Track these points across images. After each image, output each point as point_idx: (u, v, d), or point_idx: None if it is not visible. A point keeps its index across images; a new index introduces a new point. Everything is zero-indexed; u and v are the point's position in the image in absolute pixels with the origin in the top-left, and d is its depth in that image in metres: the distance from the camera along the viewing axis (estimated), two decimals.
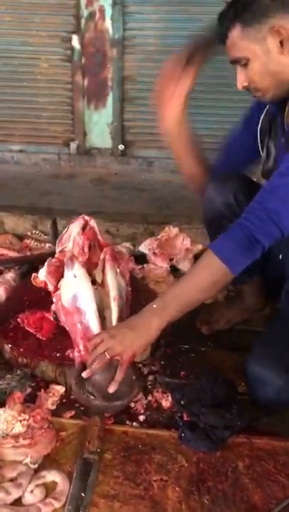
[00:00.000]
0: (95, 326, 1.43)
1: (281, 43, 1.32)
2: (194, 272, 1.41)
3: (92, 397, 1.35)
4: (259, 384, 1.40)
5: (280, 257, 1.65)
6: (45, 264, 1.72)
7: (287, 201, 1.34)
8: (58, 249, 1.83)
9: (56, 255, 1.77)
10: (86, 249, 1.67)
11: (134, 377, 1.37)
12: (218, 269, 1.35)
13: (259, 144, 1.62)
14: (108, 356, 1.33)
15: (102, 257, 1.64)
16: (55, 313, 1.60)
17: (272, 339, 1.49)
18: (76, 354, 1.46)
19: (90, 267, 1.57)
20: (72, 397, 1.47)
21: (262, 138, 1.60)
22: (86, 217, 1.80)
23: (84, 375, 1.36)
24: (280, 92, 1.42)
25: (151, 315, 1.36)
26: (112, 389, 1.33)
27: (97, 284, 1.53)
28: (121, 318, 1.47)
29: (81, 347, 1.44)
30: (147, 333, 1.35)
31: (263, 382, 1.39)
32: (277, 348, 1.44)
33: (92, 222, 1.79)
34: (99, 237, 1.78)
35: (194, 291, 1.37)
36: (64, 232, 1.86)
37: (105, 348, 1.33)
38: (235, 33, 1.35)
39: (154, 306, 1.37)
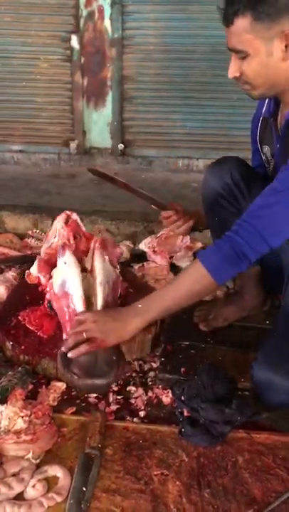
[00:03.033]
0: (80, 309, 1.47)
1: (286, 47, 1.29)
2: (180, 278, 1.47)
3: (76, 377, 1.39)
4: (269, 389, 1.38)
5: None
6: (36, 259, 1.80)
7: (279, 219, 1.35)
8: (44, 245, 1.91)
9: (45, 250, 1.83)
10: (72, 240, 1.75)
11: (114, 358, 1.41)
12: (203, 278, 1.39)
13: (261, 151, 1.64)
14: (84, 336, 1.39)
15: (91, 245, 1.70)
16: (49, 301, 1.65)
17: (275, 343, 1.46)
18: (64, 336, 1.50)
19: (78, 256, 1.63)
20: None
21: (261, 145, 1.63)
22: (68, 212, 1.89)
23: (63, 349, 1.41)
24: (269, 93, 1.43)
25: (135, 314, 1.43)
26: (71, 354, 1.38)
27: (87, 272, 1.60)
28: (106, 302, 1.51)
29: (68, 330, 1.48)
30: (125, 329, 1.42)
31: (272, 387, 1.37)
32: (280, 352, 1.41)
33: (75, 216, 1.87)
34: (83, 228, 1.87)
35: (177, 298, 1.43)
36: (49, 229, 1.94)
37: (85, 329, 1.40)
38: (244, 23, 1.29)
39: (140, 306, 1.44)
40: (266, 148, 1.60)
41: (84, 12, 2.88)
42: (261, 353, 1.44)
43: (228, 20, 1.33)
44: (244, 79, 1.38)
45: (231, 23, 1.32)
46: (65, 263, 1.56)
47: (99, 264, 1.59)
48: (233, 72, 1.38)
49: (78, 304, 1.47)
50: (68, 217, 1.86)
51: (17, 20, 2.91)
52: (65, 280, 1.54)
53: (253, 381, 1.43)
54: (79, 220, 1.87)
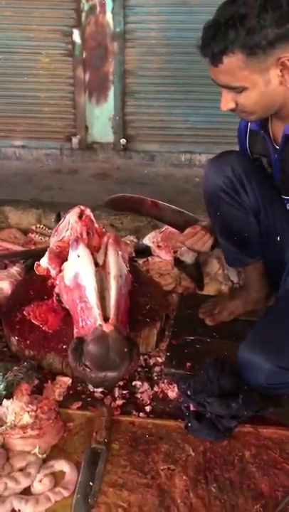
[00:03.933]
0: (93, 300, 1.44)
1: (281, 71, 1.27)
2: None
3: (88, 370, 1.37)
4: (249, 369, 1.43)
5: (278, 238, 1.69)
6: (47, 251, 1.79)
7: None
8: (53, 238, 1.90)
9: (56, 243, 1.82)
10: (84, 235, 1.73)
11: (126, 350, 1.38)
12: None
13: (252, 158, 1.65)
14: None
15: (105, 240, 1.69)
16: (58, 294, 1.64)
17: (263, 326, 1.52)
18: (75, 330, 1.48)
19: (90, 250, 1.61)
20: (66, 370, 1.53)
21: (253, 154, 1.64)
22: (82, 207, 1.87)
23: None
24: (266, 115, 1.43)
25: None
26: None
27: (99, 266, 1.58)
28: (119, 296, 1.49)
29: (80, 322, 1.46)
30: None
31: (252, 368, 1.42)
32: (266, 335, 1.47)
33: (88, 211, 1.86)
34: (95, 225, 1.85)
35: None
36: (60, 222, 1.92)
37: None
38: (235, 61, 1.25)
39: None
40: (263, 159, 1.61)
41: (85, 6, 2.86)
42: (250, 334, 1.48)
43: (215, 59, 1.27)
44: (241, 109, 1.37)
45: (220, 63, 1.27)
46: (78, 256, 1.55)
47: (113, 258, 1.58)
48: (227, 105, 1.35)
49: (91, 296, 1.45)
50: (82, 212, 1.85)
51: (18, 15, 2.89)
52: (78, 272, 1.52)
53: (237, 360, 1.47)
54: (92, 216, 1.86)
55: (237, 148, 1.75)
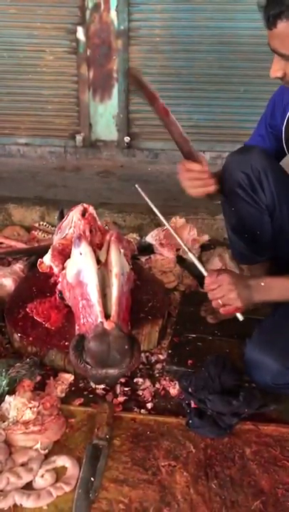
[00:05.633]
0: (95, 298, 1.45)
1: None
2: None
3: (89, 367, 1.38)
4: (256, 368, 1.43)
5: None
6: (50, 249, 1.80)
7: None
8: (56, 236, 1.91)
9: (59, 240, 1.83)
10: (87, 233, 1.75)
11: (126, 347, 1.39)
12: None
13: (284, 142, 1.61)
14: (221, 303, 1.44)
15: (107, 238, 1.70)
16: (60, 291, 1.65)
17: (272, 325, 1.52)
18: (76, 327, 1.49)
19: (92, 248, 1.62)
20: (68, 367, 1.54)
21: (287, 136, 1.59)
22: (85, 205, 1.88)
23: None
24: None
25: (258, 290, 1.45)
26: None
27: (101, 264, 1.59)
28: (121, 294, 1.50)
29: (82, 320, 1.47)
30: (250, 300, 1.46)
31: (260, 367, 1.42)
32: (275, 334, 1.47)
33: (91, 209, 1.87)
34: (98, 222, 1.86)
35: None
36: (64, 219, 1.93)
37: (223, 294, 1.43)
38: (288, 27, 1.23)
39: (262, 284, 1.46)
40: None
41: (90, 3, 2.86)
42: (257, 331, 1.48)
43: (270, 22, 1.26)
44: (288, 79, 1.34)
45: (274, 26, 1.25)
46: (80, 253, 1.56)
47: (115, 256, 1.58)
48: (275, 72, 1.33)
49: (93, 294, 1.46)
50: (85, 210, 1.87)
51: (22, 13, 2.89)
52: (80, 270, 1.53)
53: (244, 358, 1.47)
54: (95, 214, 1.88)
55: (240, 145, 1.75)
